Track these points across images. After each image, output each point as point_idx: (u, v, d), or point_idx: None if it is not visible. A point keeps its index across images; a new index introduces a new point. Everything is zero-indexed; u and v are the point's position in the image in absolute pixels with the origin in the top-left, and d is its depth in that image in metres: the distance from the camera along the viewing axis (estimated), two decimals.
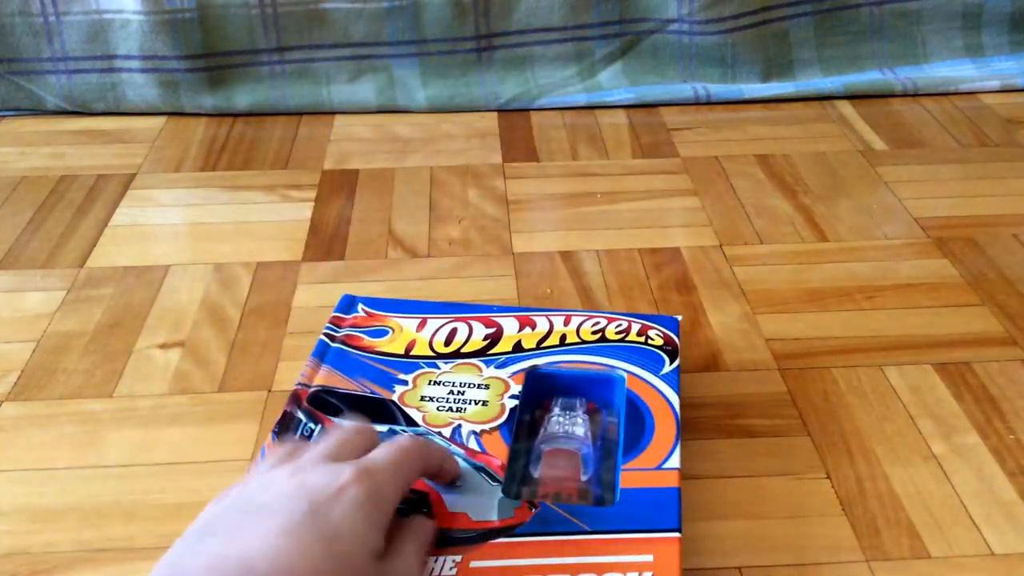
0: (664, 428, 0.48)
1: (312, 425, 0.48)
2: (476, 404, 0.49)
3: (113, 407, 0.55)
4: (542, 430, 0.50)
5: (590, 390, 0.52)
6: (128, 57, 0.88)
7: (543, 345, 0.53)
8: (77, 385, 0.57)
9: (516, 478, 0.47)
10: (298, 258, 0.69)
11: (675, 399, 0.50)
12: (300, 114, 0.91)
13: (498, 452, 0.47)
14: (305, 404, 0.49)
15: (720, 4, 0.90)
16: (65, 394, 0.56)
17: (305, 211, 0.75)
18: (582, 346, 0.53)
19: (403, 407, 0.49)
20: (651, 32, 0.93)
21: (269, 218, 0.74)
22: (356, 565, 0.35)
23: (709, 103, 0.91)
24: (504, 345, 0.53)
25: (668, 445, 0.47)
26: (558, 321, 0.55)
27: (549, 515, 0.43)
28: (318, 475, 0.37)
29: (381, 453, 0.40)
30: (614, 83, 0.92)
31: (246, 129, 0.88)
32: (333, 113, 0.91)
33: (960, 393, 0.55)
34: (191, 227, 0.73)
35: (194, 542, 0.35)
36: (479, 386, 0.50)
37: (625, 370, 0.52)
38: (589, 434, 0.49)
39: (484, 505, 0.43)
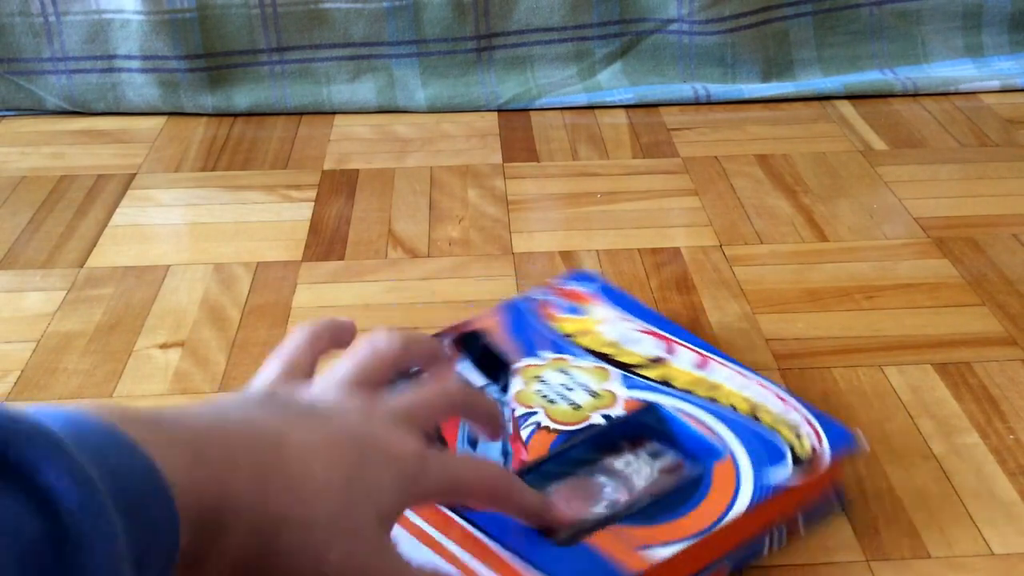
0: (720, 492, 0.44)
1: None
2: (568, 404, 0.49)
3: None
4: (609, 461, 0.46)
5: (688, 449, 0.47)
6: (128, 57, 0.88)
7: (691, 390, 0.49)
8: (77, 385, 0.57)
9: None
10: (298, 258, 0.69)
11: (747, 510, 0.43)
12: (300, 114, 0.91)
13: (536, 451, 0.46)
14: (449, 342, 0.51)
15: (720, 4, 0.90)
16: (65, 394, 0.56)
17: (305, 211, 0.75)
18: (720, 408, 0.48)
19: (517, 376, 0.50)
20: (651, 32, 0.93)
21: (269, 218, 0.74)
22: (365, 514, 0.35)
23: (709, 103, 0.91)
24: (655, 372, 0.50)
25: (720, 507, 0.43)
26: (725, 374, 0.50)
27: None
28: (387, 430, 0.37)
29: (461, 461, 0.40)
30: (614, 83, 0.92)
31: (246, 129, 0.88)
32: (333, 113, 0.91)
33: (960, 393, 0.55)
34: (191, 227, 0.73)
35: (253, 407, 0.35)
36: (590, 391, 0.49)
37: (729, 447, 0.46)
38: (645, 488, 0.45)
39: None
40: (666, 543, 0.41)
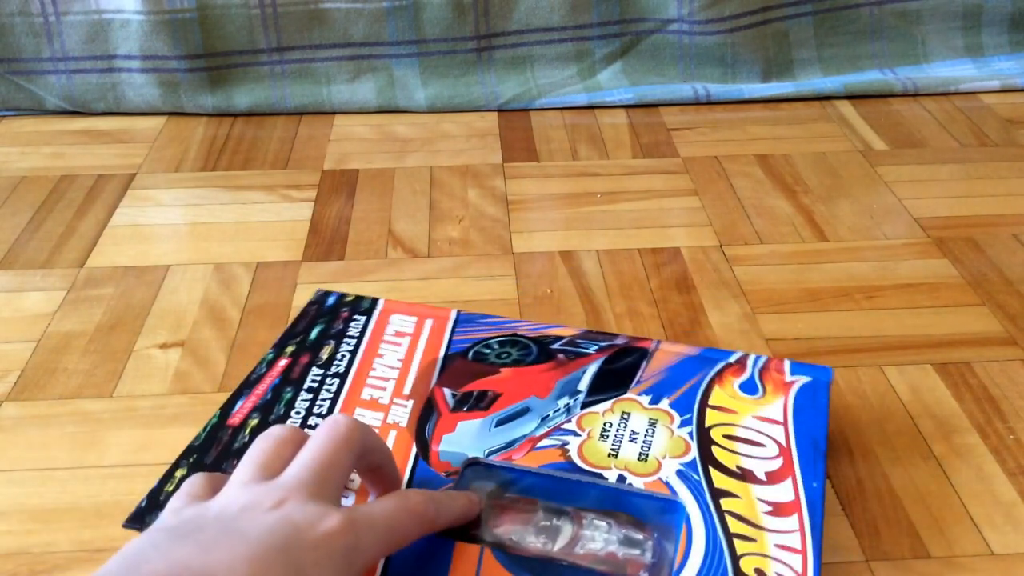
0: None
1: None
2: (607, 447, 0.46)
3: (113, 407, 0.55)
4: (578, 513, 0.44)
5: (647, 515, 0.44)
6: (128, 57, 0.88)
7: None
8: (77, 385, 0.57)
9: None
10: (298, 258, 0.69)
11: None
12: (300, 114, 0.91)
13: (531, 460, 0.46)
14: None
15: (720, 4, 0.90)
16: (65, 394, 0.56)
17: (305, 211, 0.75)
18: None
19: (608, 403, 0.49)
20: (651, 32, 0.93)
21: (269, 218, 0.74)
22: None
23: (709, 103, 0.91)
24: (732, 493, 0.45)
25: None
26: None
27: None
28: (304, 513, 0.36)
29: (382, 507, 0.39)
30: (614, 83, 0.92)
31: (246, 129, 0.88)
32: (333, 113, 0.91)
33: (960, 393, 0.56)
34: (191, 227, 0.73)
35: (163, 541, 0.34)
36: (641, 453, 0.46)
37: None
38: (584, 554, 0.42)
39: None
40: None
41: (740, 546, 0.41)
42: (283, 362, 0.50)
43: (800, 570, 0.41)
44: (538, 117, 0.90)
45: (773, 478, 0.45)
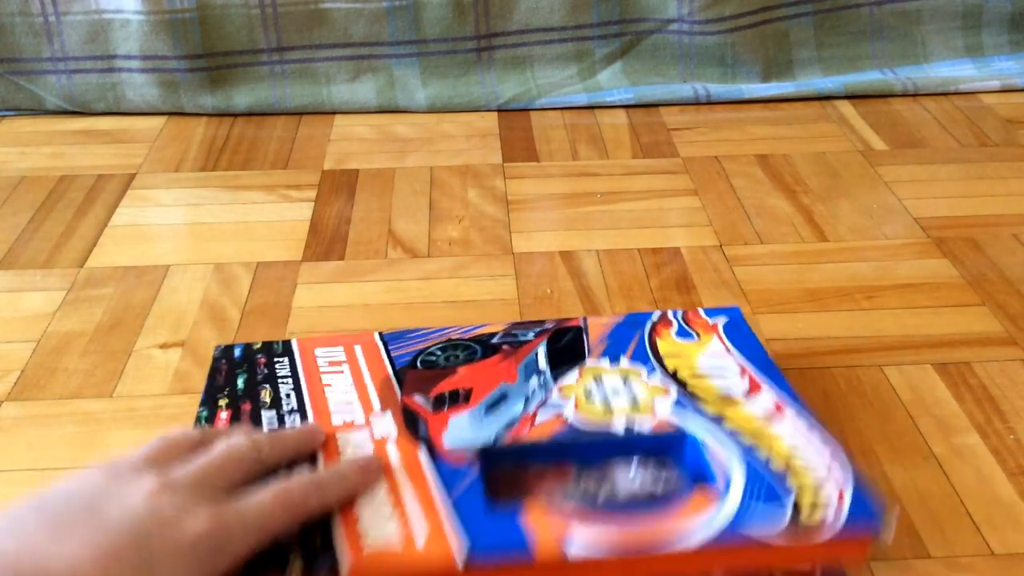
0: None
1: None
2: (601, 403, 0.48)
3: (113, 407, 0.55)
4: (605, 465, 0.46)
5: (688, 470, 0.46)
6: (128, 57, 0.88)
7: (739, 429, 0.47)
8: (77, 385, 0.57)
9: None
10: (298, 258, 0.69)
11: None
12: (300, 114, 0.91)
13: (538, 433, 0.46)
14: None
15: (720, 4, 0.90)
16: (65, 394, 0.56)
17: (305, 211, 0.75)
18: (751, 450, 0.45)
19: (576, 371, 0.50)
20: (651, 32, 0.93)
21: (269, 218, 0.74)
22: None
23: (709, 103, 0.91)
24: (720, 407, 0.48)
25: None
26: (788, 429, 0.47)
27: None
28: (175, 503, 0.36)
29: (258, 502, 0.38)
30: (614, 83, 0.92)
31: (246, 129, 0.88)
32: (333, 113, 0.91)
33: (960, 393, 0.56)
34: (191, 227, 0.73)
35: (28, 516, 0.34)
36: (632, 400, 0.48)
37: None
38: (624, 488, 0.45)
39: None
40: (592, 546, 0.40)
41: (764, 451, 0.44)
42: (224, 415, 0.49)
43: (822, 444, 0.45)
44: (538, 117, 0.90)
45: (750, 394, 0.49)
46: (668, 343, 0.53)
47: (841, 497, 0.41)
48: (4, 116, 0.91)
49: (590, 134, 0.86)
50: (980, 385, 0.56)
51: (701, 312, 0.55)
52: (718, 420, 0.47)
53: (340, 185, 0.79)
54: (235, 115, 0.91)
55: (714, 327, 0.54)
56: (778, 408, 0.48)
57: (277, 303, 0.64)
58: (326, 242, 0.71)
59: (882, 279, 0.66)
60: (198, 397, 0.56)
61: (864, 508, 0.41)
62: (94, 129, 0.89)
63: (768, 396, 0.49)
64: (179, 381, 0.57)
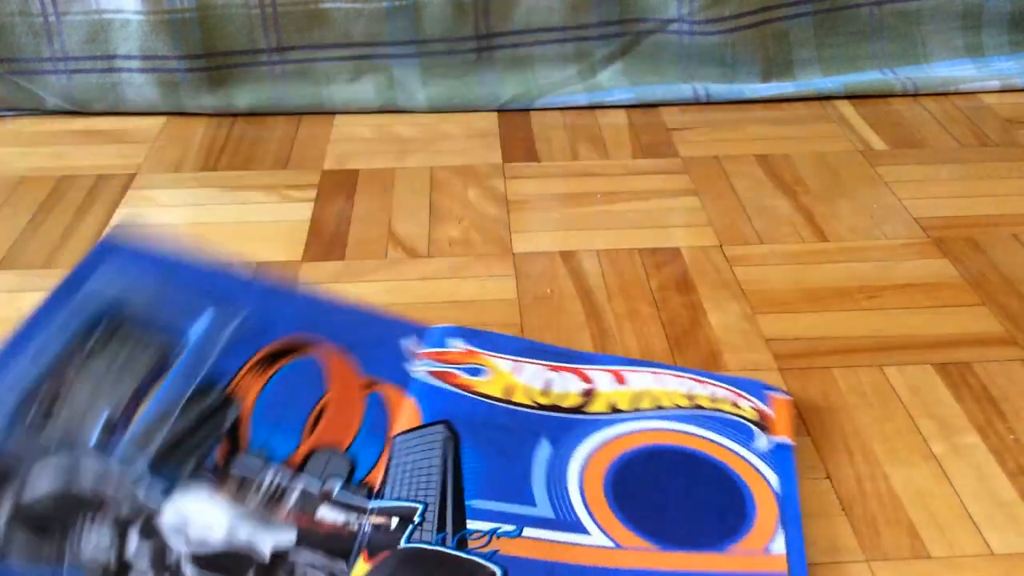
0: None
1: None
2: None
3: None
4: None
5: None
6: (128, 57, 0.88)
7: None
8: None
9: None
10: (298, 258, 0.69)
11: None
12: (300, 114, 0.91)
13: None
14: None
15: (720, 4, 0.90)
16: None
17: (305, 211, 0.75)
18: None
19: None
20: (651, 32, 0.93)
21: (269, 218, 0.74)
22: None
23: (709, 103, 0.91)
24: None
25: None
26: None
27: None
28: None
29: None
30: (614, 83, 0.92)
31: (246, 129, 0.88)
32: (333, 113, 0.91)
33: (960, 393, 0.56)
34: (191, 227, 0.73)
35: None
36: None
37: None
38: None
39: None
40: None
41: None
42: None
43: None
44: (538, 117, 0.90)
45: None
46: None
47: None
48: (4, 116, 0.91)
49: (590, 134, 0.86)
50: (980, 385, 0.56)
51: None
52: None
53: (340, 185, 0.79)
54: (235, 115, 0.91)
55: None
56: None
57: None
58: (326, 242, 0.71)
59: (882, 279, 0.66)
60: None
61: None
62: (94, 129, 0.89)
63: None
64: None
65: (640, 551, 0.43)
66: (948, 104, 0.91)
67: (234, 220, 0.74)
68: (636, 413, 0.51)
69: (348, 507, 0.44)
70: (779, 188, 0.77)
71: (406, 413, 0.50)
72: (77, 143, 0.86)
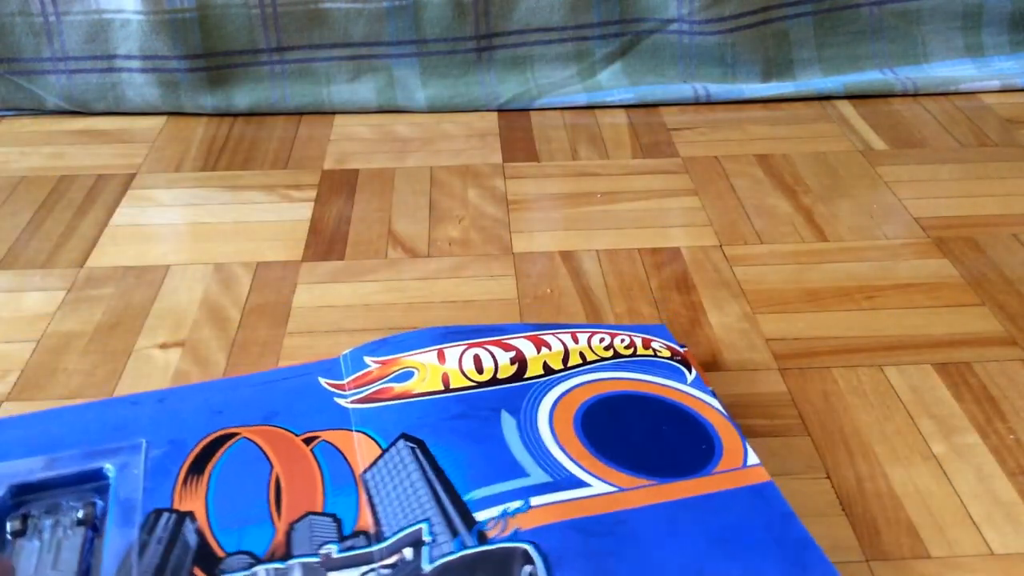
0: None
1: None
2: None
3: None
4: None
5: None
6: (128, 57, 0.88)
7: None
8: (77, 385, 0.57)
9: None
10: (298, 258, 0.69)
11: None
12: (300, 114, 0.91)
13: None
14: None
15: (720, 4, 0.90)
16: (65, 394, 0.56)
17: (305, 211, 0.75)
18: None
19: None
20: (651, 32, 0.93)
21: (269, 218, 0.74)
22: None
23: (709, 103, 0.91)
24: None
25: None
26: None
27: None
28: None
29: None
30: (614, 83, 0.92)
31: (246, 129, 0.88)
32: (333, 113, 0.91)
33: (960, 393, 0.56)
34: (191, 227, 0.73)
35: None
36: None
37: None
38: None
39: None
40: None
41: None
42: None
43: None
44: (538, 117, 0.90)
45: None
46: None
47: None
48: (4, 116, 0.91)
49: (590, 134, 0.86)
50: (980, 385, 0.56)
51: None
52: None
53: (340, 185, 0.79)
54: (235, 115, 0.91)
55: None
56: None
57: (277, 303, 0.64)
58: (326, 242, 0.71)
59: (882, 279, 0.66)
60: None
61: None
62: (94, 129, 0.89)
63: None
64: (179, 381, 0.57)
65: (642, 489, 0.45)
66: (948, 104, 0.91)
67: (234, 220, 0.74)
68: (572, 371, 0.53)
69: (355, 561, 0.43)
70: (779, 188, 0.77)
71: (361, 448, 0.49)
72: (77, 143, 0.86)
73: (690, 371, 0.54)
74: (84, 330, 0.62)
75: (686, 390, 0.52)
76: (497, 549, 0.42)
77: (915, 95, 0.92)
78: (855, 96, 0.92)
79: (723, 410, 0.51)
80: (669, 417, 0.50)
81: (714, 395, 0.52)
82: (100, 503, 0.45)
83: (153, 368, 0.58)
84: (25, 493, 0.45)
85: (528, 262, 0.68)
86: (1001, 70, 0.95)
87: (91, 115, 0.91)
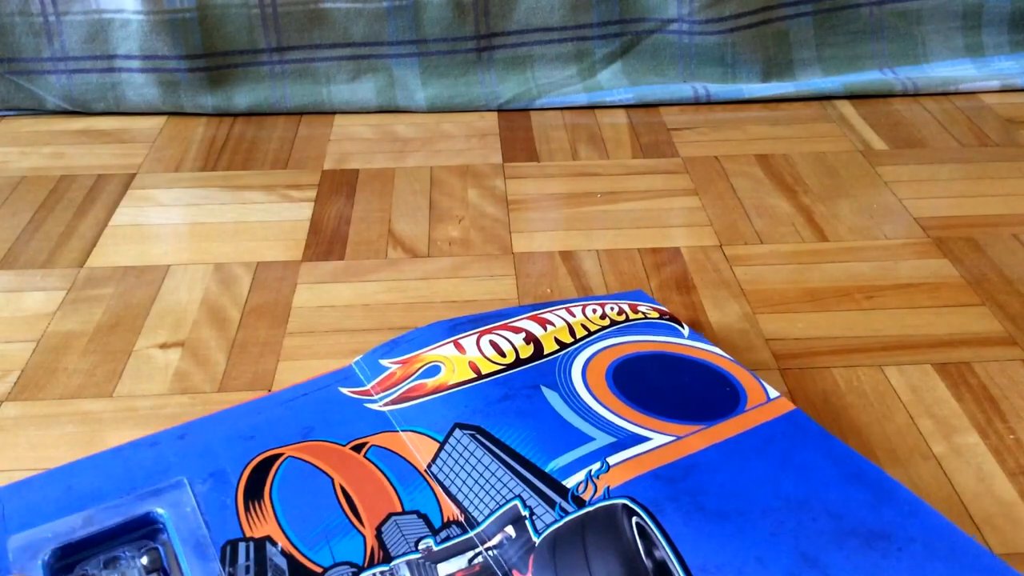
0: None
1: None
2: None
3: (113, 407, 0.55)
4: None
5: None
6: (128, 57, 0.88)
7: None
8: (77, 385, 0.57)
9: None
10: (298, 258, 0.69)
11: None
12: (300, 114, 0.91)
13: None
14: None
15: (720, 4, 0.90)
16: (65, 394, 0.56)
17: (305, 211, 0.75)
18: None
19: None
20: (651, 32, 0.93)
21: (269, 218, 0.74)
22: None
23: (709, 103, 0.91)
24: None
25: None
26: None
27: None
28: None
29: None
30: (614, 83, 0.92)
31: (246, 129, 0.88)
32: (333, 113, 0.91)
33: (960, 393, 0.56)
34: (191, 227, 0.73)
35: None
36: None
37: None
38: None
39: None
40: None
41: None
42: None
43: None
44: (538, 117, 0.90)
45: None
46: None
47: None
48: (4, 116, 0.91)
49: (590, 134, 0.86)
50: (980, 385, 0.56)
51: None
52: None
53: (340, 185, 0.79)
54: (235, 115, 0.91)
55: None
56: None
57: (277, 303, 0.64)
58: (326, 242, 0.71)
59: (882, 279, 0.66)
60: (198, 397, 0.56)
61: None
62: (94, 129, 0.89)
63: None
64: (179, 381, 0.57)
65: (695, 434, 0.48)
66: (948, 104, 0.91)
67: (234, 220, 0.74)
68: (583, 342, 0.54)
69: (459, 549, 0.43)
70: (779, 188, 0.77)
71: (415, 445, 0.49)
72: (77, 143, 0.86)
73: (682, 327, 0.56)
74: (84, 330, 0.62)
75: (688, 343, 0.55)
76: (598, 508, 0.43)
77: (915, 95, 0.92)
78: (855, 96, 0.92)
79: (727, 355, 0.54)
80: (686, 369, 0.53)
81: (713, 344, 0.54)
82: (159, 546, 0.43)
83: (153, 368, 0.58)
84: (72, 553, 0.43)
85: (528, 262, 0.68)
86: (1001, 70, 0.95)
87: (91, 115, 0.91)
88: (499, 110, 0.91)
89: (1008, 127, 0.87)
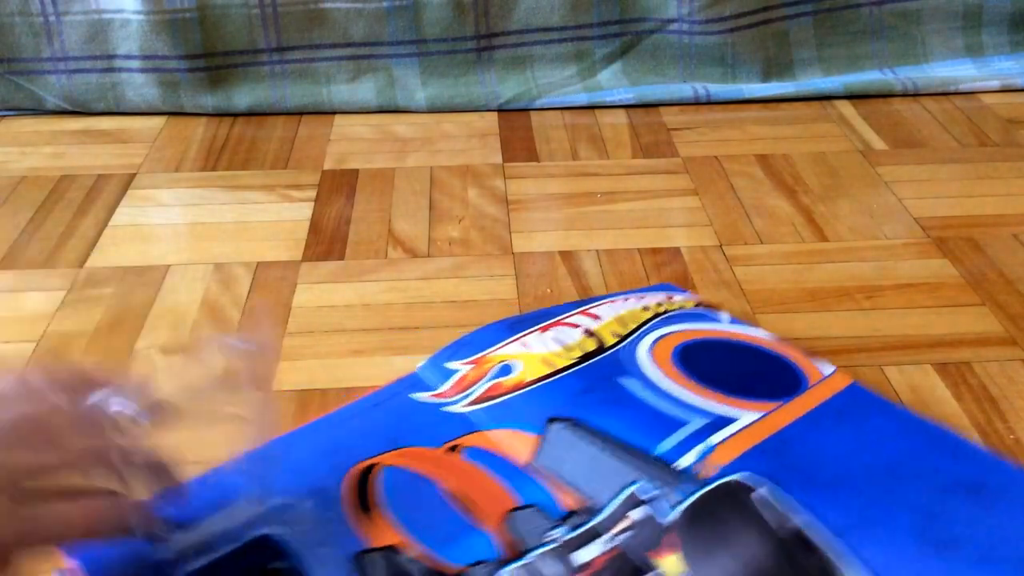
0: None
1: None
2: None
3: None
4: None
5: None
6: (128, 57, 0.88)
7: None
8: None
9: None
10: (298, 258, 0.69)
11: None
12: (300, 114, 0.91)
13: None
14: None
15: (720, 4, 0.90)
16: None
17: (305, 211, 0.75)
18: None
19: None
20: (651, 32, 0.93)
21: (269, 218, 0.74)
22: None
23: (709, 103, 0.91)
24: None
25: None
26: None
27: None
28: None
29: (56, 514, 0.37)
30: (614, 83, 0.92)
31: (246, 129, 0.88)
32: (333, 113, 0.91)
33: (960, 393, 0.55)
34: (191, 227, 0.73)
35: None
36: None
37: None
38: None
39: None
40: None
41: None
42: None
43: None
44: (538, 117, 0.90)
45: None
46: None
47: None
48: (4, 116, 0.91)
49: (590, 134, 0.86)
50: (980, 385, 0.56)
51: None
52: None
53: (340, 185, 0.79)
54: (235, 115, 0.91)
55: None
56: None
57: (277, 303, 0.64)
58: (326, 242, 0.71)
59: (882, 279, 0.66)
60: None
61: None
62: (94, 129, 0.89)
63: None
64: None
65: (777, 411, 0.49)
66: (948, 104, 0.91)
67: (234, 220, 0.74)
68: (636, 334, 0.55)
69: (590, 536, 0.43)
70: (779, 188, 0.77)
71: (509, 441, 0.48)
72: (77, 143, 0.86)
73: (720, 313, 0.58)
74: (84, 330, 0.62)
75: (733, 328, 0.56)
76: (720, 485, 0.45)
77: (915, 95, 0.92)
78: (855, 96, 0.92)
79: (773, 336, 0.55)
80: (742, 353, 0.54)
81: (757, 327, 0.56)
82: (281, 566, 0.42)
83: (153, 368, 0.58)
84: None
85: (528, 262, 0.68)
86: (1001, 70, 0.95)
87: (91, 115, 0.91)
88: (499, 110, 0.91)
89: (1008, 127, 0.87)
